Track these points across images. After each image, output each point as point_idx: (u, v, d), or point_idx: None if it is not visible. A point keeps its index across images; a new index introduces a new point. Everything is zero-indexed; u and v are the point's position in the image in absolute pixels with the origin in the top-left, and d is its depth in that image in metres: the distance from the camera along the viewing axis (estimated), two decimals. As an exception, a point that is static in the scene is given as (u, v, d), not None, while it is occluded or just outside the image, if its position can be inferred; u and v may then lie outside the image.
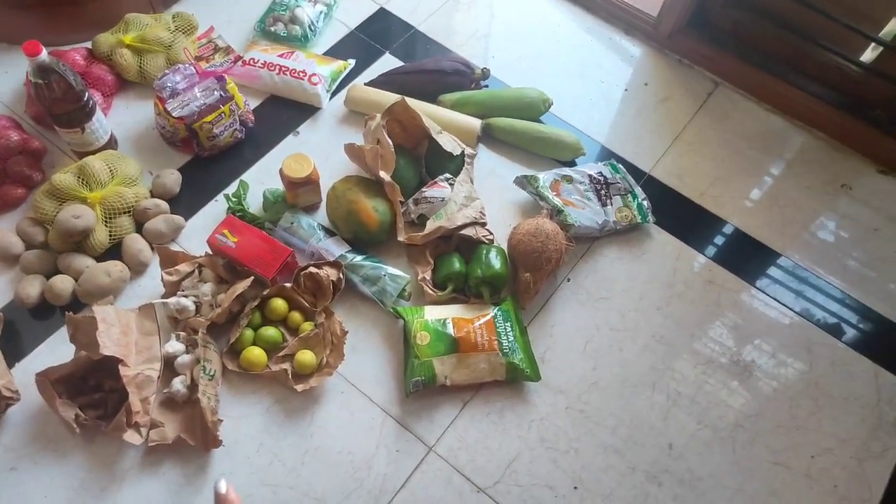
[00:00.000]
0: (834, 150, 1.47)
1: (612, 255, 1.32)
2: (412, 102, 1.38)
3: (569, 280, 1.28)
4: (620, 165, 1.38)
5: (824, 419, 1.17)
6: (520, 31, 1.61)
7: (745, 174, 1.43)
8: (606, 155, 1.44)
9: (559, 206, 1.27)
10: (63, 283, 1.15)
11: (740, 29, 1.51)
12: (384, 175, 1.22)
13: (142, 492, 1.04)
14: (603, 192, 1.33)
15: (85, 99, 1.20)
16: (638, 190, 1.35)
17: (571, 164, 1.41)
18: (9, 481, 1.03)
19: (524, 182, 1.33)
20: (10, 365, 1.12)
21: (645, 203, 1.34)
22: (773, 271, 1.32)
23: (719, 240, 1.36)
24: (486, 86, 1.49)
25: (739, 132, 1.49)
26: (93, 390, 1.09)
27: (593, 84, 1.54)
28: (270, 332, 1.15)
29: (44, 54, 1.11)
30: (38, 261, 1.19)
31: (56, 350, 1.13)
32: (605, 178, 1.35)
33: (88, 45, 1.41)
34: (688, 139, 1.47)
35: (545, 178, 1.32)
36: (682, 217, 1.37)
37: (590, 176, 1.34)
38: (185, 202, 1.31)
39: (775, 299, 1.28)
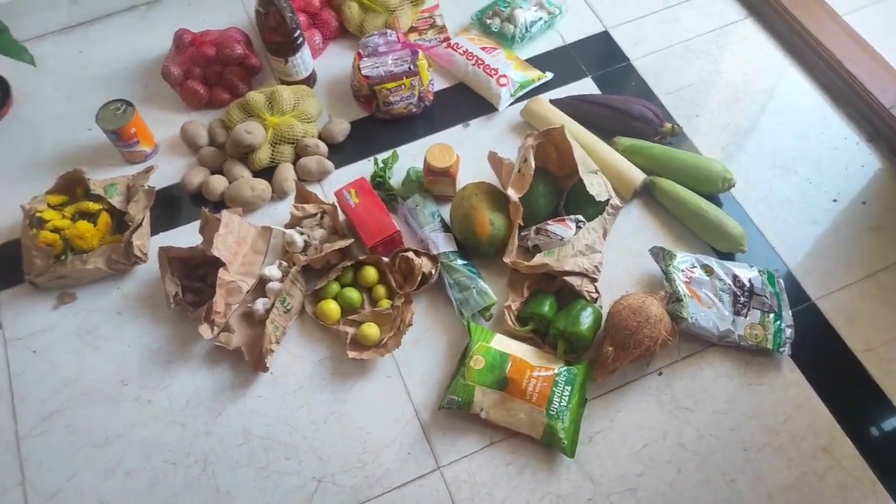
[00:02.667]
0: None
1: (722, 369, 1.16)
2: (581, 134, 1.33)
3: (660, 374, 1.16)
4: (781, 281, 1.20)
5: None
6: (741, 97, 1.45)
7: (937, 349, 1.16)
8: (773, 263, 1.25)
9: (680, 295, 1.14)
10: (217, 183, 1.32)
11: None
12: (512, 193, 1.19)
13: (194, 378, 1.17)
14: (742, 300, 1.16)
15: (294, 36, 1.34)
16: (786, 314, 1.16)
17: (727, 257, 1.25)
18: (111, 321, 1.23)
19: (659, 254, 1.21)
20: (155, 232, 1.31)
21: (787, 331, 1.15)
22: (914, 474, 1.07)
23: (865, 410, 1.12)
24: (671, 143, 1.37)
25: (957, 299, 1.20)
26: (198, 279, 1.24)
27: (798, 181, 1.34)
28: (353, 294, 1.21)
29: (269, -12, 1.26)
30: (211, 157, 1.37)
31: (192, 234, 1.30)
32: (751, 286, 1.18)
33: (330, -11, 1.56)
34: (883, 282, 1.22)
35: (683, 259, 1.20)
36: (830, 365, 1.16)
37: (735, 277, 1.18)
38: (345, 152, 1.41)
39: (899, 507, 1.04)
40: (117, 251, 1.24)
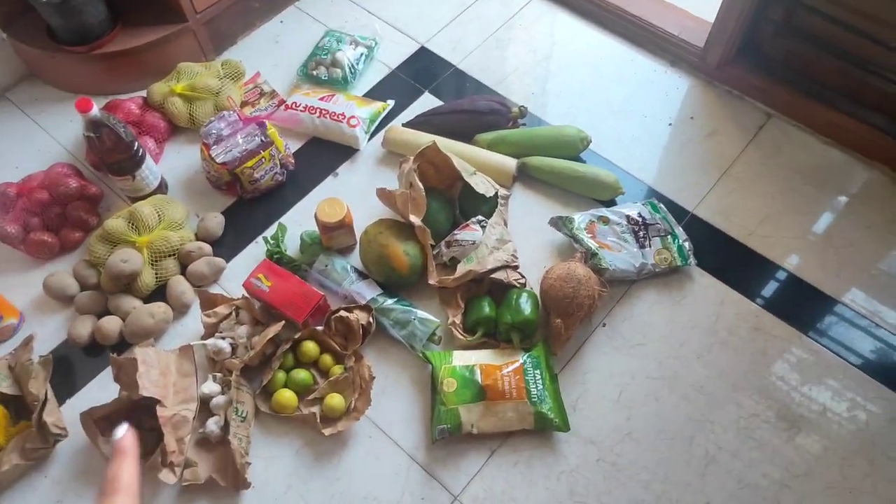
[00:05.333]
0: (899, 186, 1.38)
1: (651, 299, 1.27)
2: (446, 144, 1.39)
3: (604, 325, 1.25)
4: (661, 205, 1.34)
5: (880, 482, 1.08)
6: (561, 66, 1.59)
7: (798, 212, 1.36)
8: (649, 193, 1.40)
9: (593, 249, 1.24)
10: (111, 325, 1.22)
11: (793, 59, 1.44)
12: (415, 219, 1.22)
13: (175, 530, 1.08)
14: (641, 233, 1.29)
15: (135, 149, 1.27)
16: (679, 231, 1.30)
17: (611, 203, 1.37)
18: (55, 514, 1.10)
19: (559, 223, 1.30)
20: (62, 401, 1.19)
21: (686, 245, 1.29)
22: (826, 318, 1.24)
23: (768, 284, 1.29)
24: (524, 124, 1.48)
25: (793, 167, 1.41)
26: (134, 428, 1.14)
27: (636, 119, 1.50)
28: (301, 374, 1.18)
29: (94, 110, 1.18)
30: (90, 302, 1.26)
31: (104, 388, 1.19)
32: (643, 218, 1.31)
33: (144, 93, 1.49)
34: (736, 175, 1.41)
35: (581, 218, 1.30)
36: (728, 259, 1.31)
37: (627, 217, 1.30)
38: (228, 244, 1.36)
39: (828, 349, 1.20)
40: (31, 438, 1.10)
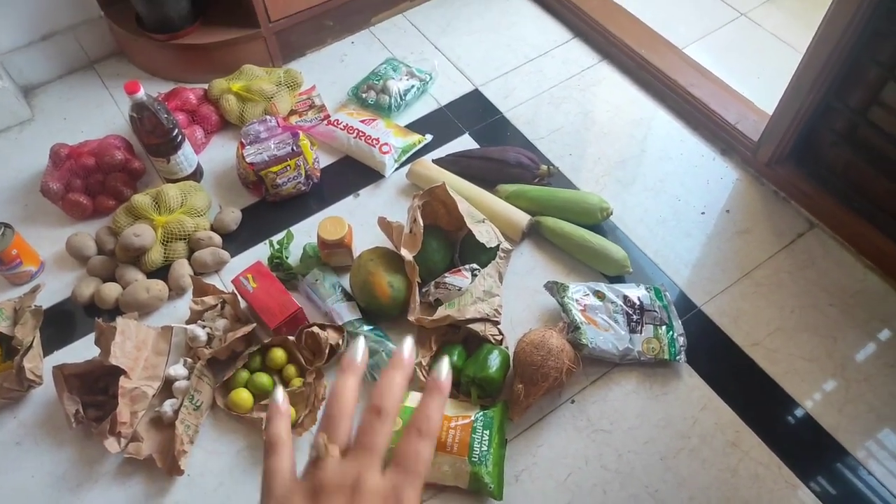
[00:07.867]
0: (940, 330, 1.25)
1: (629, 386, 1.21)
2: (464, 187, 1.40)
3: (573, 402, 1.20)
4: (667, 294, 1.28)
5: None
6: (607, 133, 1.56)
7: (815, 333, 1.25)
8: (659, 278, 1.34)
9: (577, 323, 1.20)
10: (110, 291, 1.30)
11: (850, 172, 1.34)
12: (406, 253, 1.23)
13: (108, 497, 1.12)
14: (635, 317, 1.23)
15: (172, 135, 1.36)
16: (676, 324, 1.24)
17: (617, 280, 1.33)
18: (11, 453, 1.17)
19: (553, 288, 1.27)
20: (50, 352, 1.28)
21: (680, 339, 1.22)
22: (815, 452, 1.13)
23: (760, 400, 1.19)
24: (549, 183, 1.46)
25: (823, 284, 1.31)
26: (100, 392, 1.20)
27: (668, 200, 1.45)
28: (263, 378, 1.20)
29: (141, 93, 1.28)
30: (101, 266, 1.35)
31: (90, 347, 1.26)
32: (641, 303, 1.25)
33: (206, 86, 1.60)
34: (758, 279, 1.32)
35: (575, 289, 1.26)
36: (723, 364, 1.23)
37: (625, 297, 1.25)
38: (240, 239, 1.42)
39: (806, 485, 1.10)
40: (9, 378, 1.19)
